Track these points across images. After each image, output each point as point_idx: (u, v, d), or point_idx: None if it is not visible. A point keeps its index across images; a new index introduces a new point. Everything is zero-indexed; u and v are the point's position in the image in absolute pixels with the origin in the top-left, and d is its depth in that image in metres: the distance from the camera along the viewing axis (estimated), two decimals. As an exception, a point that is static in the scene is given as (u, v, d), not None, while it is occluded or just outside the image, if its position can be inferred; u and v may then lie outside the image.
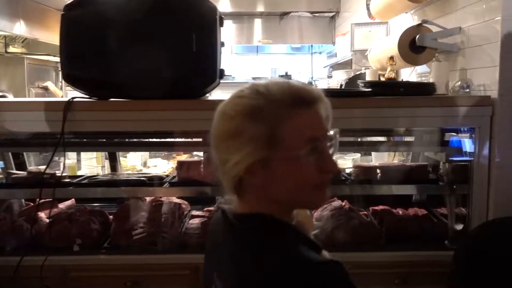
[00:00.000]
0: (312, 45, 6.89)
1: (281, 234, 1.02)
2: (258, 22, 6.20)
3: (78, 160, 3.66)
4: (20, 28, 4.62)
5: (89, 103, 2.02)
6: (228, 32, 6.18)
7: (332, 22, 6.02)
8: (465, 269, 1.78)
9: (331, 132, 1.04)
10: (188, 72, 1.94)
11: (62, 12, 1.94)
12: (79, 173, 3.49)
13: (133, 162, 3.63)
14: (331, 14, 5.88)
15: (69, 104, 1.93)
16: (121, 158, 3.62)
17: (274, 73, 6.95)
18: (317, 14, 5.90)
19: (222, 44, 2.11)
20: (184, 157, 3.89)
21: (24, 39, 5.18)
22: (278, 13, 6.01)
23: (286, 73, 6.93)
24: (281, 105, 0.97)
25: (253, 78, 6.88)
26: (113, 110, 1.99)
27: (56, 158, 2.25)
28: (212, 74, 1.98)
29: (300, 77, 6.95)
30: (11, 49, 5.18)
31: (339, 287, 0.93)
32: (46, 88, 5.08)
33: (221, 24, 2.02)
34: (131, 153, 3.71)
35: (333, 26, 5.98)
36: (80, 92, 2.03)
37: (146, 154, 3.89)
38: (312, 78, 6.62)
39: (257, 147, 0.97)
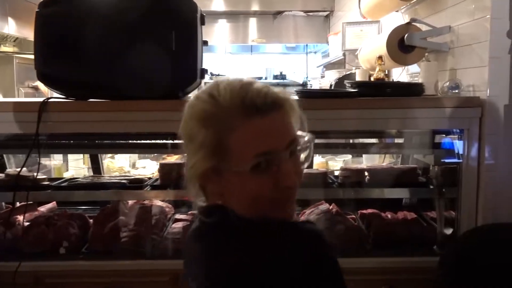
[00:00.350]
0: (307, 45, 6.82)
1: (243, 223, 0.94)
2: (252, 21, 6.14)
3: (65, 161, 3.60)
4: (9, 27, 4.55)
5: (65, 103, 1.96)
6: (222, 31, 6.12)
7: (327, 21, 5.97)
8: (453, 275, 1.73)
9: (306, 137, 0.95)
10: (167, 72, 1.87)
11: (37, 10, 1.88)
12: (65, 174, 3.43)
13: (121, 164, 3.57)
14: (325, 13, 5.82)
15: (44, 105, 1.87)
16: (108, 159, 3.56)
17: (268, 73, 6.88)
18: (311, 13, 5.84)
19: (205, 43, 2.04)
20: (174, 158, 3.82)
21: (15, 38, 5.11)
22: (272, 12, 5.95)
23: (281, 73, 6.86)
24: (231, 113, 0.88)
25: (248, 78, 6.82)
26: (90, 111, 1.93)
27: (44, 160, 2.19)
28: (192, 74, 1.91)
29: (295, 76, 6.89)
30: (3, 48, 5.11)
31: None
32: (36, 88, 5.01)
33: (202, 23, 1.95)
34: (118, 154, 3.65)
35: (328, 25, 5.92)
36: (55, 92, 1.97)
37: (135, 155, 3.83)
38: (307, 77, 6.56)
39: (206, 154, 0.91)
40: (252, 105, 0.88)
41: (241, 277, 0.88)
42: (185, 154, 0.98)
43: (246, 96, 0.89)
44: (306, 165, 0.98)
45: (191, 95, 2.07)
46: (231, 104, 0.89)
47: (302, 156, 0.97)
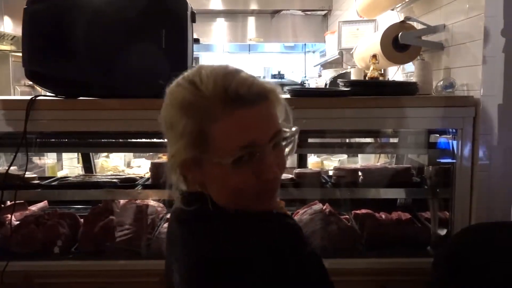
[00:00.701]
0: (305, 44, 6.79)
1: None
2: (251, 20, 6.11)
3: (59, 160, 3.58)
4: (5, 26, 4.52)
5: (54, 101, 1.94)
6: (220, 30, 6.10)
7: (325, 21, 5.94)
8: (447, 276, 1.70)
9: (293, 129, 0.94)
10: (157, 70, 1.85)
11: (25, 6, 1.86)
12: (60, 173, 3.41)
13: (116, 163, 3.54)
14: (323, 12, 5.79)
15: (32, 103, 1.85)
16: (103, 158, 3.54)
17: (267, 72, 6.84)
18: (309, 12, 5.82)
19: (196, 41, 2.03)
20: (169, 157, 3.79)
21: (12, 37, 5.09)
22: (269, 11, 5.92)
23: (279, 72, 6.82)
24: (214, 103, 0.85)
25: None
26: (79, 109, 1.91)
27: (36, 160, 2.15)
28: (182, 72, 1.89)
29: (293, 76, 6.85)
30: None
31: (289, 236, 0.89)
32: (32, 86, 4.98)
33: (193, 20, 1.93)
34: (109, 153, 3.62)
35: (326, 25, 5.89)
36: (45, 90, 1.95)
37: (130, 154, 3.80)
38: (305, 77, 6.53)
39: (187, 144, 0.88)
40: (236, 95, 0.85)
41: (216, 265, 0.86)
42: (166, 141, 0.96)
43: (230, 86, 0.86)
44: (289, 157, 0.97)
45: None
46: (214, 93, 0.86)
47: (286, 148, 0.96)
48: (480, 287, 1.58)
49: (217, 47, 6.74)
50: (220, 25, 6.11)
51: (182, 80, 0.93)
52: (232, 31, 6.16)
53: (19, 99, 1.99)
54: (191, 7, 1.93)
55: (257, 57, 7.02)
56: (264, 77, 6.76)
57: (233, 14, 6.06)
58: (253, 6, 5.80)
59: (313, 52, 6.97)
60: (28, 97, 1.89)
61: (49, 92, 1.97)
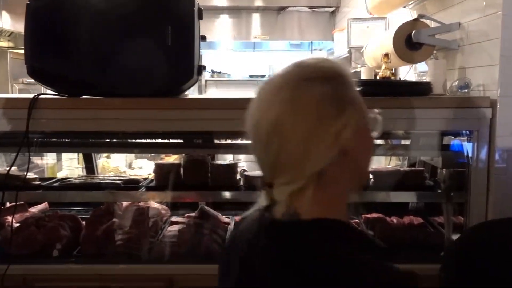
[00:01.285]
0: (312, 42, 6.70)
1: (352, 243, 0.88)
2: (256, 17, 6.03)
3: (59, 160, 3.52)
4: (3, 22, 4.45)
5: (57, 100, 1.88)
6: (224, 27, 6.02)
7: (332, 18, 5.85)
8: (456, 278, 1.63)
9: None
10: (163, 68, 1.80)
11: (28, 2, 1.80)
12: (59, 174, 3.35)
13: (117, 163, 3.47)
14: (330, 9, 5.70)
15: (35, 101, 1.80)
16: (104, 159, 3.48)
17: (272, 71, 6.76)
18: (316, 9, 5.73)
19: (203, 39, 1.96)
20: (172, 158, 3.74)
21: (10, 33, 5.02)
22: (275, 8, 5.84)
23: (284, 70, 6.74)
24: (353, 87, 0.94)
25: (250, 76, 6.71)
26: (83, 108, 1.85)
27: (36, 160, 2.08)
28: (189, 71, 1.83)
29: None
30: (-4, 43, 5.01)
31: None
32: (31, 84, 4.91)
33: (200, 17, 1.87)
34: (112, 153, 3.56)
35: (333, 22, 5.81)
36: (47, 88, 1.89)
37: (131, 154, 3.73)
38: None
39: (352, 133, 0.90)
40: (353, 77, 0.97)
41: None
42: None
43: (348, 71, 0.96)
44: None
45: (188, 92, 1.99)
46: (350, 79, 0.95)
47: None
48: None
49: (221, 44, 6.66)
50: (224, 22, 6.03)
51: (311, 74, 0.93)
52: (236, 28, 6.07)
53: (21, 98, 1.93)
54: (198, 4, 1.86)
55: (262, 55, 6.92)
56: (269, 76, 6.68)
57: (238, 11, 5.97)
58: (258, 3, 5.71)
59: (320, 50, 6.89)
60: (30, 95, 1.84)
61: (51, 90, 1.91)
